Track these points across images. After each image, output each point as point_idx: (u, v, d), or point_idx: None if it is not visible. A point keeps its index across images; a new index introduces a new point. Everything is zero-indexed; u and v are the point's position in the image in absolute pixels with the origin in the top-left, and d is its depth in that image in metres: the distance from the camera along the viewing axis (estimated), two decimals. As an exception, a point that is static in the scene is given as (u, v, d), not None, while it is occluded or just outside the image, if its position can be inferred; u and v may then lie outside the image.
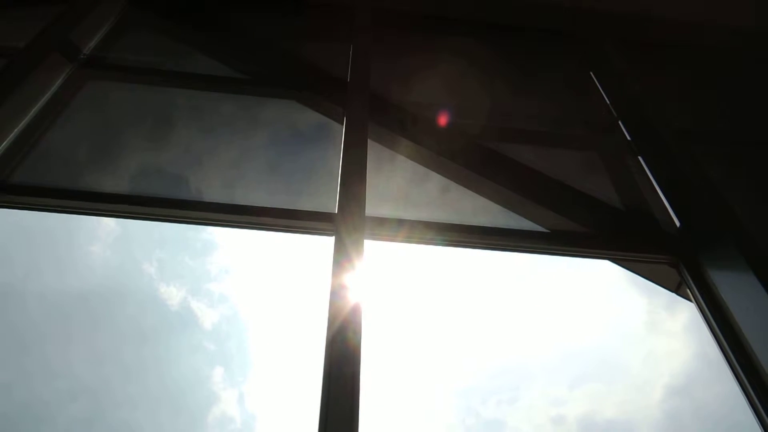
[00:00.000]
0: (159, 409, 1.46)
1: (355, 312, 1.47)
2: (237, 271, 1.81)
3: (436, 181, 2.08)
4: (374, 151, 2.06)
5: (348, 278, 1.55)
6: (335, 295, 1.51)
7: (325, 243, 1.72)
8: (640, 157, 2.27)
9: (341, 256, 1.61)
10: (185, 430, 1.45)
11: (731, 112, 2.63)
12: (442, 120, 2.20)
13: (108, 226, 1.82)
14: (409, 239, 1.82)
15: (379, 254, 1.74)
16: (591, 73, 2.74)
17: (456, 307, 1.78)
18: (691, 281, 1.84)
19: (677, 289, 1.88)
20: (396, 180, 2.05)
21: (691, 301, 1.82)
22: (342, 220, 1.72)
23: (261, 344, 1.67)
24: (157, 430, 1.42)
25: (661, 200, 2.10)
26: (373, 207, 1.86)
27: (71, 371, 1.49)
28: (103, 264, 1.77)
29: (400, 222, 1.86)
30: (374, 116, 2.17)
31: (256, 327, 1.71)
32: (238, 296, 1.76)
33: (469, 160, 2.21)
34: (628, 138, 2.37)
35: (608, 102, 2.57)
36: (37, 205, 1.78)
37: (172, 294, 1.70)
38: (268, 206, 1.84)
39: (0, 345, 1.52)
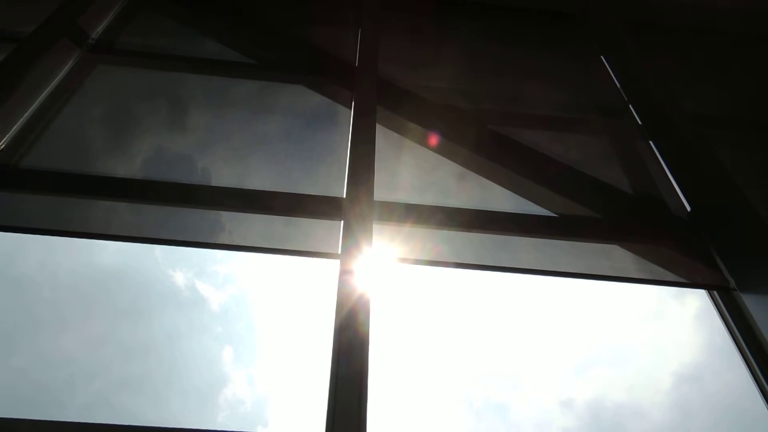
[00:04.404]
0: (171, 390, 1.48)
1: (364, 296, 1.47)
2: (242, 254, 1.81)
3: (445, 165, 2.07)
4: (383, 136, 2.05)
5: (356, 263, 1.55)
6: (343, 279, 1.52)
7: (334, 227, 1.73)
8: (651, 142, 2.25)
9: (349, 241, 1.61)
10: (197, 411, 1.47)
11: (745, 97, 2.60)
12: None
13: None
14: (417, 224, 1.81)
15: (387, 240, 1.74)
16: (602, 57, 2.71)
17: (461, 292, 1.78)
18: (702, 268, 1.83)
19: (687, 274, 1.86)
20: (405, 165, 2.05)
21: (702, 288, 1.81)
22: (350, 205, 1.72)
23: (269, 327, 1.68)
24: (169, 410, 1.44)
25: (672, 186, 2.08)
26: (382, 192, 1.85)
27: (82, 355, 1.51)
28: (113, 246, 1.78)
29: (409, 207, 1.85)
30: (383, 101, 2.16)
31: (264, 310, 1.72)
32: (244, 279, 1.78)
33: (479, 144, 2.20)
34: (639, 122, 2.35)
35: (619, 86, 2.54)
36: (47, 190, 1.79)
37: (179, 277, 1.72)
38: (276, 190, 1.85)
39: (15, 329, 1.54)
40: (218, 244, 1.69)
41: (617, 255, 1.86)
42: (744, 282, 1.70)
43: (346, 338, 1.39)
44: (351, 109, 2.13)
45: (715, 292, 1.76)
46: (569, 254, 1.84)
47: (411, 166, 2.05)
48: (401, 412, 1.45)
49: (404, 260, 1.71)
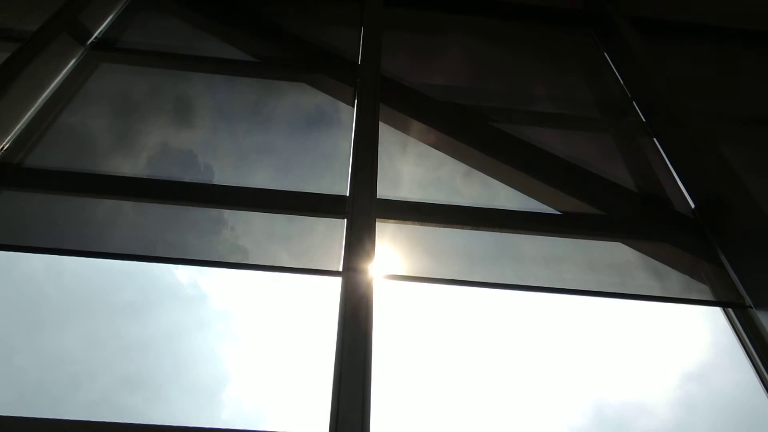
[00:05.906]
0: (174, 388, 1.48)
1: (368, 293, 1.47)
2: (244, 251, 1.81)
3: (448, 163, 2.07)
4: (386, 134, 2.05)
5: (359, 260, 1.55)
6: (347, 276, 1.51)
7: (337, 225, 1.72)
8: (654, 139, 2.24)
9: (353, 238, 1.61)
10: (201, 409, 1.47)
11: (749, 93, 2.59)
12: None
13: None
14: (420, 222, 1.81)
15: (390, 237, 1.74)
16: (605, 54, 2.70)
17: (465, 288, 1.77)
18: (706, 265, 1.82)
19: (691, 272, 1.85)
20: (408, 162, 2.04)
21: (705, 284, 1.80)
22: (353, 203, 1.72)
23: (272, 324, 1.67)
24: (172, 408, 1.44)
25: (677, 183, 2.07)
26: (385, 190, 1.85)
27: (84, 353, 1.51)
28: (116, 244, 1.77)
29: (413, 205, 1.85)
30: (386, 99, 2.16)
31: (267, 306, 1.71)
32: (247, 275, 1.77)
33: (482, 142, 2.19)
34: (643, 119, 2.34)
35: (622, 83, 2.53)
36: (51, 189, 1.79)
37: (181, 274, 1.72)
38: (280, 189, 1.84)
39: (18, 327, 1.54)
40: (220, 263, 1.66)
41: (627, 269, 1.82)
42: (760, 299, 1.66)
43: (350, 334, 1.38)
44: (354, 106, 2.13)
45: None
46: (578, 268, 1.82)
47: (414, 164, 2.04)
48: (405, 410, 1.45)
49: (407, 278, 1.68)
